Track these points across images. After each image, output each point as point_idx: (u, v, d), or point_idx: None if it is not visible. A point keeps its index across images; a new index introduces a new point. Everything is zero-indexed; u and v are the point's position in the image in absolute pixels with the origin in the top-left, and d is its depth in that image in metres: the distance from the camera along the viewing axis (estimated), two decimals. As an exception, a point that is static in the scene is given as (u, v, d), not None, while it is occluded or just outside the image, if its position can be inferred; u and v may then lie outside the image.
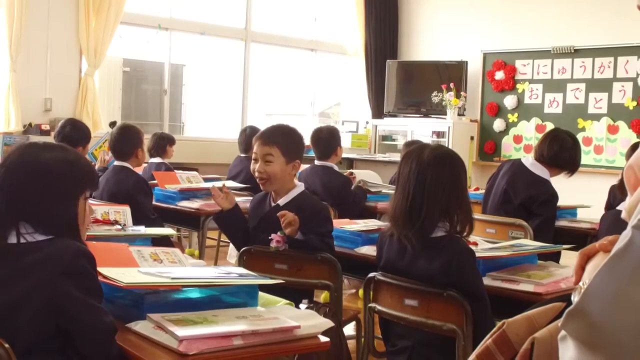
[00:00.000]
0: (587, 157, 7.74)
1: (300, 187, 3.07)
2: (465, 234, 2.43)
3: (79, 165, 1.90)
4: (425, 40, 9.41)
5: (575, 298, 0.97)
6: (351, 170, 5.65)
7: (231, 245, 6.18)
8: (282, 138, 3.03)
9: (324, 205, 3.13)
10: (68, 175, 1.85)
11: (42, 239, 1.79)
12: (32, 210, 1.80)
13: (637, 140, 7.17)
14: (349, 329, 3.66)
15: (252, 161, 3.06)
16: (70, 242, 1.79)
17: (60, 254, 1.75)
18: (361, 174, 5.53)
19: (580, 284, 1.00)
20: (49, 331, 1.72)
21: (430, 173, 2.39)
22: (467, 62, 8.68)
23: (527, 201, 3.97)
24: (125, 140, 4.21)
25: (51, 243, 1.78)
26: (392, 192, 4.92)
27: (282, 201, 3.03)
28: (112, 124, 6.75)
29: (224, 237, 6.45)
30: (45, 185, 1.82)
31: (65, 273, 1.72)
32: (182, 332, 1.70)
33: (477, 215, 3.69)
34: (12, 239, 1.78)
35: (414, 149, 2.49)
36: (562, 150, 4.00)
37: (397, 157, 7.62)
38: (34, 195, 1.81)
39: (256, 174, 3.01)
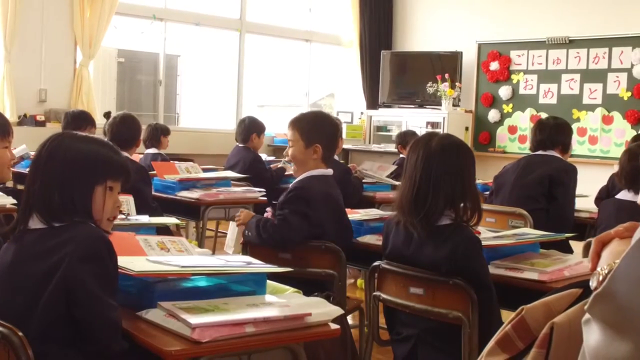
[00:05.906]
0: (581, 147, 7.77)
1: (312, 172, 3.05)
2: (473, 222, 2.44)
3: (97, 155, 1.89)
4: (420, 31, 9.40)
5: (593, 284, 0.97)
6: (356, 167, 5.63)
7: (228, 235, 6.18)
8: (303, 122, 3.08)
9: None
10: (83, 164, 1.86)
11: (60, 225, 1.80)
12: (46, 199, 1.82)
13: (632, 130, 7.21)
14: (349, 319, 3.67)
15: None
16: (91, 227, 1.82)
17: (80, 238, 1.76)
18: (366, 167, 5.51)
19: (598, 269, 1.01)
20: (59, 315, 1.72)
21: (437, 162, 2.39)
22: (461, 52, 8.68)
23: (552, 174, 4.02)
24: (127, 129, 4.20)
25: (72, 227, 1.80)
26: (390, 182, 4.98)
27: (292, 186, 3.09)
28: (107, 115, 6.72)
29: (221, 228, 6.45)
30: (59, 174, 1.84)
31: (83, 257, 1.73)
32: (194, 319, 1.70)
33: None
34: (34, 225, 1.82)
35: (422, 137, 2.49)
36: (568, 134, 4.23)
37: (392, 147, 7.63)
38: (49, 184, 1.83)
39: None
